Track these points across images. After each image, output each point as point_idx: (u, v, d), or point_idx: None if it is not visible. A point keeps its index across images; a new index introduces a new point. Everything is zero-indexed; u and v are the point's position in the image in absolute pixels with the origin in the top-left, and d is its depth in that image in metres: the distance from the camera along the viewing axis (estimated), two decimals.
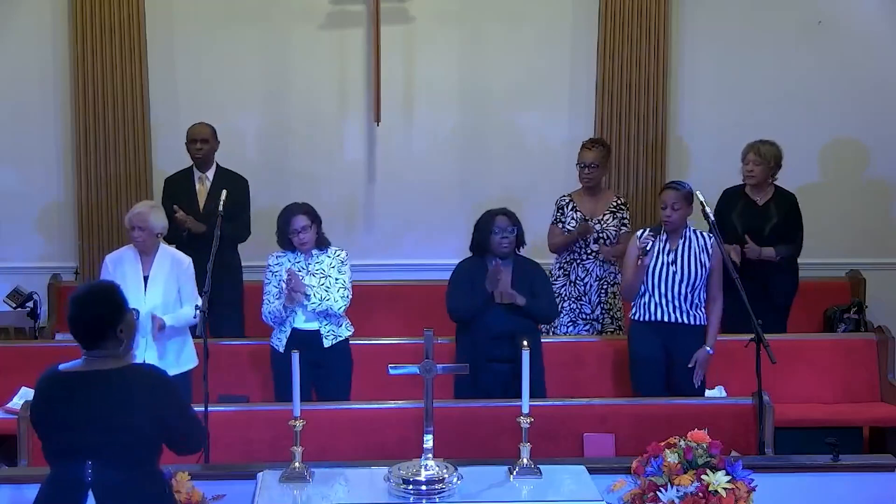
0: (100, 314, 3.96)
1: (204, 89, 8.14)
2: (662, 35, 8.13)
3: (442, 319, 6.11)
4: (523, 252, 6.22)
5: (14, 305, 7.66)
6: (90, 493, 3.87)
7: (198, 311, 5.76)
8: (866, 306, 7.81)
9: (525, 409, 4.90)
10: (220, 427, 5.44)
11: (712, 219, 6.01)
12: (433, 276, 7.79)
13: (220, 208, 6.31)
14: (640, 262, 6.09)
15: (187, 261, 6.23)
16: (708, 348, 6.13)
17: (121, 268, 6.09)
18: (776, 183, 7.13)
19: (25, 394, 6.31)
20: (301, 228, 6.07)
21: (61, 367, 4.02)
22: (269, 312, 6.14)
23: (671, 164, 8.27)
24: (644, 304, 6.18)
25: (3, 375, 6.58)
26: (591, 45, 8.18)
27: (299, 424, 4.84)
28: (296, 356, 4.85)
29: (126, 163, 8.05)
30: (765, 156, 7.00)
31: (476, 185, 8.25)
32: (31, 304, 7.58)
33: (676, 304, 6.12)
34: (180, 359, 6.14)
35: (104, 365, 3.95)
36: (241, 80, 8.19)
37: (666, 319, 6.13)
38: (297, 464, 4.83)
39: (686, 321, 6.14)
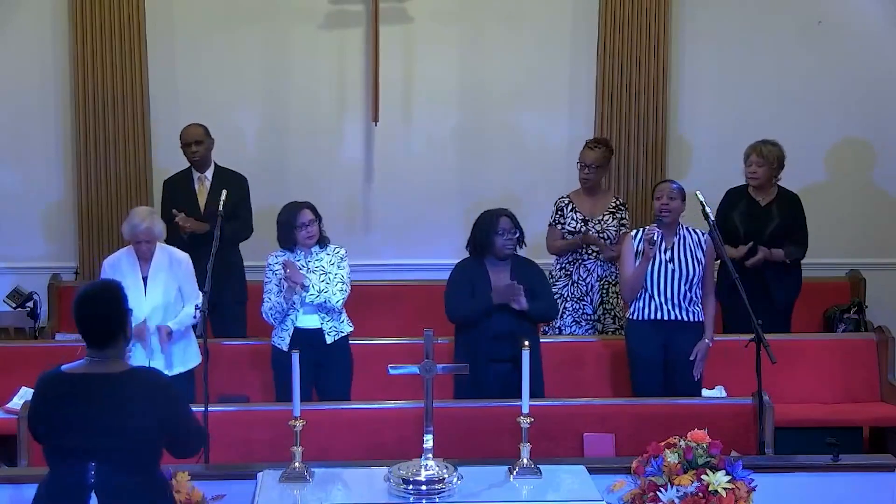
0: (110, 314, 4.00)
1: (204, 89, 8.14)
2: (662, 35, 8.13)
3: (442, 319, 6.11)
4: (522, 252, 6.21)
5: (14, 305, 7.67)
6: (92, 494, 3.88)
7: (197, 311, 5.77)
8: (866, 306, 7.81)
9: (525, 409, 4.90)
10: (220, 427, 5.44)
11: (712, 218, 6.02)
12: (432, 276, 7.79)
13: (220, 208, 6.31)
14: (645, 254, 6.08)
15: (186, 258, 6.25)
16: (707, 340, 6.15)
17: (119, 271, 6.07)
18: (780, 184, 7.12)
19: (25, 394, 6.30)
20: (308, 222, 6.12)
21: (64, 367, 4.04)
22: (270, 308, 6.15)
23: (671, 164, 8.27)
24: (643, 303, 6.18)
25: (3, 375, 6.57)
26: (591, 45, 8.18)
27: (299, 424, 4.84)
28: (296, 356, 4.85)
29: (126, 163, 8.05)
30: (767, 157, 6.99)
31: (475, 186, 8.25)
32: (31, 304, 7.59)
33: (676, 301, 6.13)
34: (185, 357, 6.16)
35: (109, 368, 3.97)
36: (240, 80, 8.19)
37: (665, 318, 6.14)
38: (297, 464, 4.83)
39: (685, 318, 6.15)
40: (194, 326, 6.03)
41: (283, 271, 6.03)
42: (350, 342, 6.29)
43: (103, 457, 3.88)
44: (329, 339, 6.14)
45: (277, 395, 6.20)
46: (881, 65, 8.28)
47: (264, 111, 8.25)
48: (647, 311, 6.17)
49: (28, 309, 7.58)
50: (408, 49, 8.21)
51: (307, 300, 6.06)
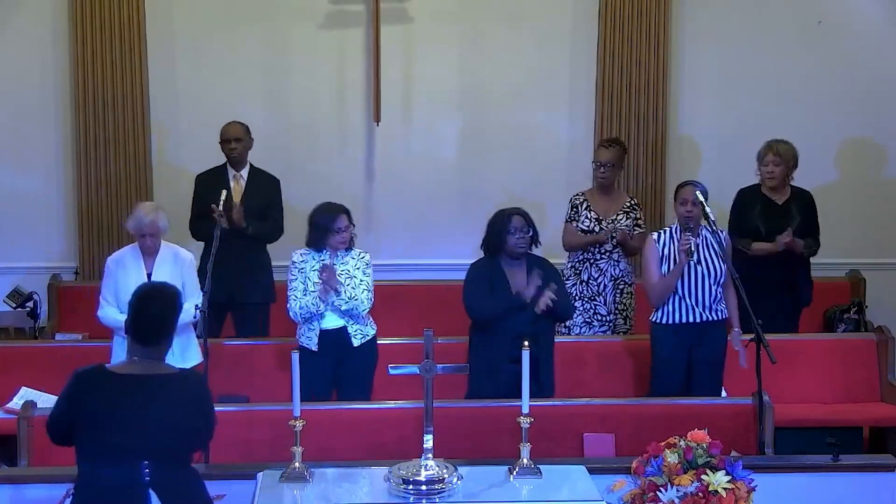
0: (172, 319, 4.16)
1: (204, 89, 8.14)
2: (662, 35, 8.13)
3: (442, 319, 6.11)
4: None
5: (14, 305, 7.67)
6: (151, 492, 3.97)
7: (198, 311, 5.77)
8: (866, 306, 7.81)
9: (525, 409, 4.90)
10: (220, 427, 5.39)
11: (713, 218, 6.02)
12: (433, 276, 7.81)
13: (220, 207, 6.30)
14: (679, 263, 6.06)
15: (189, 256, 6.26)
16: (737, 329, 6.17)
17: (123, 268, 6.10)
18: (791, 182, 7.12)
19: (25, 394, 6.30)
20: (344, 227, 6.07)
21: (110, 367, 4.14)
22: (301, 307, 6.06)
23: (671, 164, 8.28)
24: (672, 307, 6.16)
25: (3, 375, 6.57)
26: (591, 45, 8.18)
27: (299, 424, 4.84)
28: (295, 356, 4.85)
29: (126, 163, 8.05)
30: (784, 155, 6.99)
31: (475, 185, 8.25)
32: (31, 304, 7.58)
33: (707, 303, 6.13)
34: (185, 355, 6.13)
35: (156, 369, 4.11)
36: (241, 80, 8.19)
37: (695, 320, 6.14)
38: (297, 464, 4.83)
39: (714, 317, 6.17)
40: (195, 325, 6.01)
41: (319, 273, 5.99)
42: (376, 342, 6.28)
43: (156, 455, 3.99)
44: (356, 342, 6.10)
45: (303, 394, 6.17)
46: (881, 65, 8.28)
47: (264, 111, 8.24)
48: (677, 314, 6.15)
49: (28, 309, 7.58)
50: (408, 49, 8.21)
51: (338, 304, 6.04)
